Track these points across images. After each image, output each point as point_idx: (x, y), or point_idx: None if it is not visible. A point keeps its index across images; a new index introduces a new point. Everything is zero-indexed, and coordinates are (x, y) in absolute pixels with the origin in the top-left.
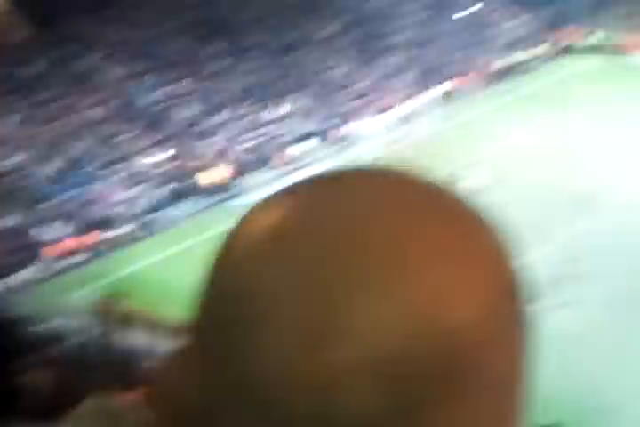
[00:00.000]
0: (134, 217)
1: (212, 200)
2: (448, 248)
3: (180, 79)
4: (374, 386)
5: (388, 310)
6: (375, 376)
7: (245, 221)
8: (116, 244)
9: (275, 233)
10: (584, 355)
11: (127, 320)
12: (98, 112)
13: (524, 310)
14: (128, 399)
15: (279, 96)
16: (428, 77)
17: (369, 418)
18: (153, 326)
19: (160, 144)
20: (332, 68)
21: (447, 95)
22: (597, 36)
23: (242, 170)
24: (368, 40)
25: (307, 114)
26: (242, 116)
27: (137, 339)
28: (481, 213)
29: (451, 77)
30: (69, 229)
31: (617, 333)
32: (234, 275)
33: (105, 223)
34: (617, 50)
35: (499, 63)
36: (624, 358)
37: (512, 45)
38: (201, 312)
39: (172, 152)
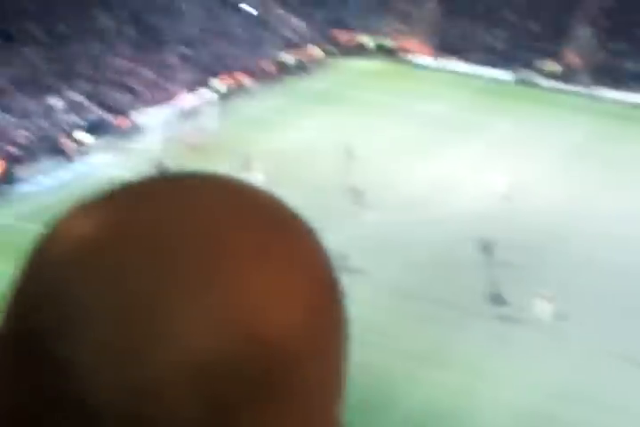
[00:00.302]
0: None
1: None
2: (268, 253)
3: None
4: (192, 391)
5: (205, 315)
6: (193, 381)
7: (59, 226)
8: None
9: (87, 240)
10: (355, 349)
11: None
12: None
13: (344, 312)
14: None
15: (50, 88)
16: (205, 75)
17: (187, 422)
18: None
19: None
20: (105, 61)
21: (224, 93)
22: (372, 40)
23: (14, 162)
24: (143, 35)
25: (78, 107)
26: (11, 109)
27: None
28: (300, 217)
29: (227, 75)
30: None
31: (387, 325)
32: (44, 280)
33: None
34: (391, 52)
35: (275, 63)
36: (394, 351)
37: (288, 46)
38: (9, 318)
39: None
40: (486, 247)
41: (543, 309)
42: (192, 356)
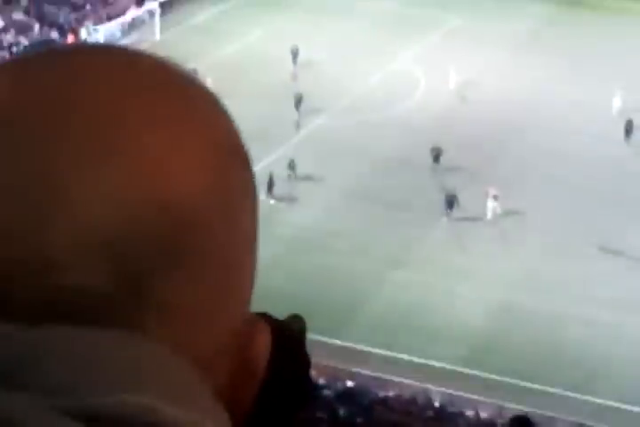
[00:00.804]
0: None
1: None
2: (165, 116)
3: None
4: (99, 259)
5: (104, 182)
6: (99, 249)
7: None
8: None
9: None
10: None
11: None
12: None
13: (252, 180)
14: None
15: None
16: None
17: (96, 294)
18: None
19: None
20: None
21: (167, 2)
22: None
23: None
24: None
25: (25, 24)
26: None
27: None
28: (200, 83)
29: None
30: None
31: (343, 226)
32: None
33: None
34: None
35: None
36: (357, 254)
37: None
38: None
39: None
40: (436, 155)
41: (494, 206)
42: (94, 223)
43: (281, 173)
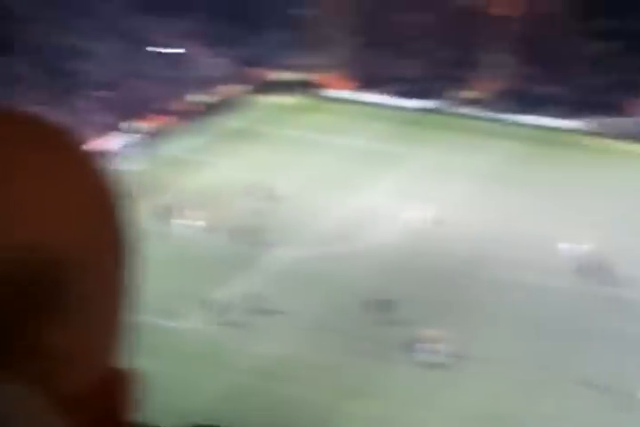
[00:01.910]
0: None
1: None
2: (41, 162)
3: None
4: None
5: None
6: None
7: None
8: None
9: None
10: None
11: None
12: None
13: (123, 235)
14: None
15: None
16: (123, 117)
17: None
18: None
19: None
20: (21, 105)
21: (143, 135)
22: (289, 76)
23: None
24: (57, 80)
25: None
26: None
27: None
28: (74, 138)
29: (146, 117)
30: None
31: (302, 357)
32: None
33: None
34: (309, 87)
35: (193, 103)
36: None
37: (208, 84)
38: None
39: None
40: (384, 306)
41: (438, 349)
42: None
43: (240, 303)
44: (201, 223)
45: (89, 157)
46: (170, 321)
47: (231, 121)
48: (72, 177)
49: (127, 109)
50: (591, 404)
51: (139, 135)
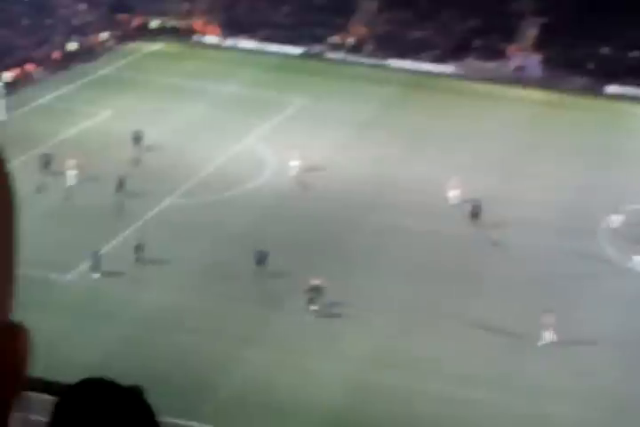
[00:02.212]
0: None
1: None
2: None
3: None
4: None
5: None
6: None
7: None
8: None
9: None
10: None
11: None
12: None
13: (7, 187)
14: None
15: None
16: None
17: None
18: None
19: None
20: None
21: (9, 84)
22: (158, 22)
23: None
24: None
25: None
26: None
27: None
28: None
29: (13, 66)
30: None
31: (197, 309)
32: None
33: None
34: (178, 33)
35: (61, 51)
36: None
37: (76, 32)
38: None
39: None
40: (260, 258)
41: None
42: None
43: (125, 254)
44: (79, 173)
45: None
46: (52, 274)
47: (99, 69)
48: None
49: None
50: (485, 346)
51: (5, 85)
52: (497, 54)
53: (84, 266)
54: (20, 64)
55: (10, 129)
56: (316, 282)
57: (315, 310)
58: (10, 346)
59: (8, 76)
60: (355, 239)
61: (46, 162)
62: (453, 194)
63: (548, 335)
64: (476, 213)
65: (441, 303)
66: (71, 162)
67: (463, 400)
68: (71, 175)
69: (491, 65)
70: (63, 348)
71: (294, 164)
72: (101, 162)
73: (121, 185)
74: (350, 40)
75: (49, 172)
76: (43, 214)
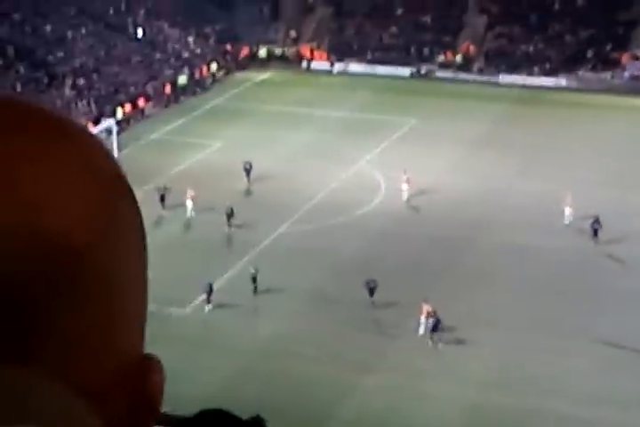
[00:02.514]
0: None
1: None
2: (44, 153)
3: None
4: None
5: None
6: None
7: None
8: None
9: None
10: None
11: None
12: None
13: (135, 211)
14: None
15: None
16: (101, 104)
17: None
18: None
19: None
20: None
21: (123, 120)
22: (266, 50)
23: None
24: (35, 71)
25: None
26: None
27: None
28: (76, 122)
29: (125, 102)
30: None
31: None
32: None
33: None
34: (287, 60)
35: (171, 84)
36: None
37: (183, 65)
38: None
39: None
40: (371, 289)
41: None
42: None
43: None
44: (194, 206)
45: (93, 141)
46: (171, 308)
47: (209, 100)
48: (79, 161)
49: (106, 95)
50: (619, 363)
51: (120, 120)
52: (611, 64)
53: (202, 299)
54: (131, 100)
55: (123, 165)
56: (430, 308)
57: (432, 335)
58: (146, 379)
59: (120, 112)
60: (471, 260)
61: (162, 195)
62: (569, 211)
63: None
64: (595, 230)
65: (564, 322)
66: (190, 193)
67: (586, 421)
68: (190, 207)
69: (605, 75)
70: (181, 381)
71: (405, 187)
72: (214, 194)
73: (230, 216)
74: (459, 58)
75: (165, 205)
76: (161, 248)
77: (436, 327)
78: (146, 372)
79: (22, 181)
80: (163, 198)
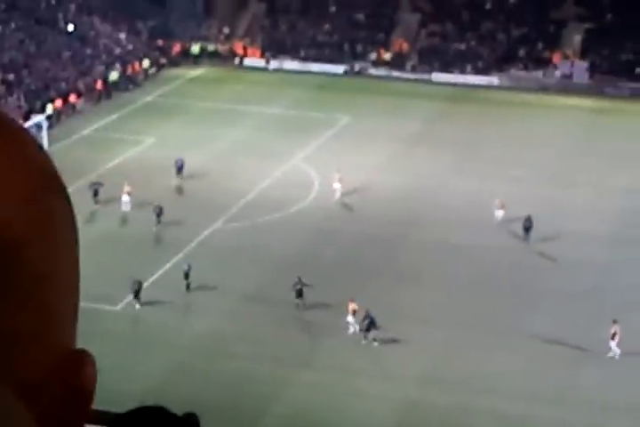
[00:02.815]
0: None
1: None
2: None
3: None
4: None
5: None
6: None
7: None
8: None
9: None
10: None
11: None
12: None
13: (67, 207)
14: None
15: None
16: (34, 98)
17: None
18: None
19: None
20: None
21: (53, 115)
22: (198, 46)
23: None
24: None
25: None
26: None
27: None
28: (10, 119)
29: (55, 98)
30: None
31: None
32: None
33: None
34: (219, 57)
35: (102, 80)
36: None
37: (114, 61)
38: None
39: None
40: (299, 291)
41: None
42: None
43: (176, 282)
44: (127, 202)
45: (27, 136)
46: (101, 304)
47: (141, 96)
48: (12, 157)
49: (37, 91)
50: (552, 360)
51: (51, 116)
52: (542, 63)
53: (131, 296)
54: (63, 96)
55: (55, 160)
56: (356, 306)
57: (366, 334)
58: (79, 372)
59: (51, 107)
60: (404, 258)
61: (95, 190)
62: (498, 214)
63: (614, 347)
64: (527, 228)
65: (496, 320)
66: (127, 188)
67: (521, 417)
68: (126, 202)
69: (536, 74)
70: (113, 378)
71: (338, 185)
72: (145, 190)
73: (159, 215)
74: (392, 55)
75: (98, 200)
76: (94, 243)
77: (369, 326)
78: (79, 365)
79: None
80: (96, 193)
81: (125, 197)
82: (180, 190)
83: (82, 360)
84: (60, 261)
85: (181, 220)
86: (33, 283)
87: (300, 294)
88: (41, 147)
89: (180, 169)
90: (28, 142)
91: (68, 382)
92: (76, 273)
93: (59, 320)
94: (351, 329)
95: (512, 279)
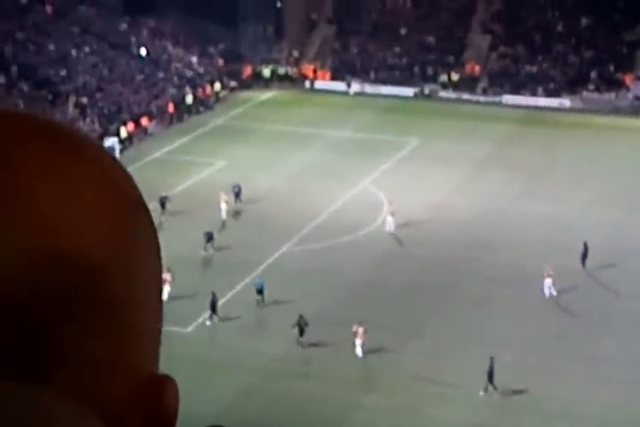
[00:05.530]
0: None
1: None
2: (63, 172)
3: None
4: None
5: (3, 230)
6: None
7: None
8: None
9: None
10: None
11: None
12: None
13: (151, 228)
14: None
15: None
16: (105, 123)
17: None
18: None
19: None
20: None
21: (126, 139)
22: (269, 69)
23: None
24: (39, 89)
25: None
26: None
27: None
28: (96, 141)
29: (128, 121)
30: None
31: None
32: None
33: None
34: (290, 80)
35: (174, 103)
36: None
37: (186, 84)
38: None
39: None
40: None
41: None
42: None
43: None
44: (197, 223)
45: (112, 161)
46: (181, 327)
47: (212, 119)
48: (98, 182)
49: (110, 114)
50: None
51: (124, 139)
52: (614, 85)
53: (205, 316)
54: (135, 119)
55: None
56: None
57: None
58: (161, 397)
59: (124, 131)
60: (472, 281)
61: (163, 203)
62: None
63: None
64: (583, 254)
65: (567, 343)
66: (224, 197)
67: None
68: (224, 210)
69: (608, 96)
70: (185, 400)
71: (390, 219)
72: (214, 212)
73: (210, 239)
74: (462, 78)
75: (164, 212)
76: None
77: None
78: (160, 390)
79: (42, 201)
80: (163, 206)
81: (223, 205)
82: (237, 214)
83: (164, 385)
84: (143, 284)
85: (250, 242)
86: (115, 307)
87: (301, 332)
88: (126, 171)
89: (237, 194)
90: (114, 167)
91: (149, 408)
92: (159, 296)
93: (140, 344)
94: (359, 352)
95: (582, 303)
